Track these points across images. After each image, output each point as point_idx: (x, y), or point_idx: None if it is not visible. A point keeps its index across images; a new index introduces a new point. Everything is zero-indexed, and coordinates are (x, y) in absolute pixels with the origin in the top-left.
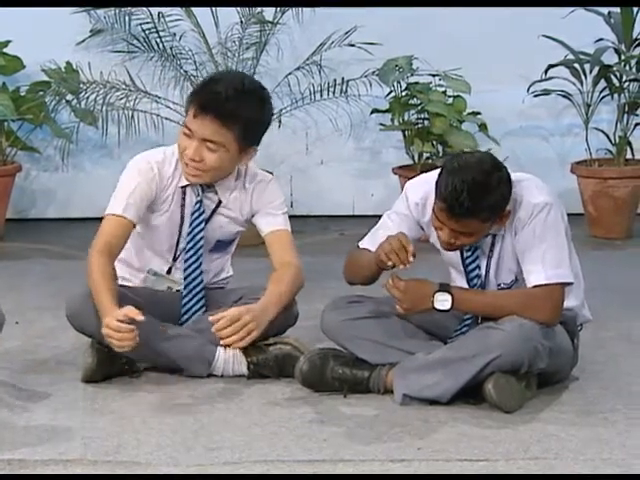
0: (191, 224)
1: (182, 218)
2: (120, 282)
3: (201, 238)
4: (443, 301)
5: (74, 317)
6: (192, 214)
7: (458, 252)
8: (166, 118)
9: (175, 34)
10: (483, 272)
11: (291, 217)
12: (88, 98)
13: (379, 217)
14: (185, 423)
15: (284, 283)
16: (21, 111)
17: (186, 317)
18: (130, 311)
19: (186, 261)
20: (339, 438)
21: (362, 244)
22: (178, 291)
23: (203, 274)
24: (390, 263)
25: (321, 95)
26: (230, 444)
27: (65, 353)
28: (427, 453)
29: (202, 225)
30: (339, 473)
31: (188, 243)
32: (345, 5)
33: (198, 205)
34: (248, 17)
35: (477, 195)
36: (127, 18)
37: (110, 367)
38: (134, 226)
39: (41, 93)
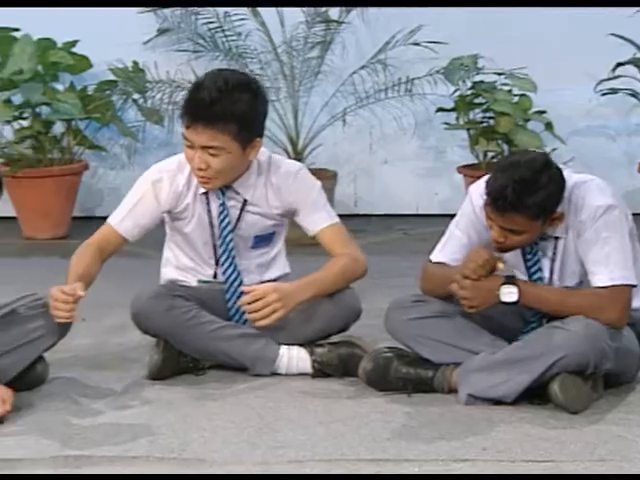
0: (220, 227)
1: (211, 223)
2: (181, 283)
3: (231, 240)
4: (509, 293)
5: (139, 317)
6: (218, 217)
7: (520, 255)
8: None
9: (240, 33)
10: (547, 275)
11: (354, 216)
12: (154, 97)
13: (443, 217)
14: (250, 421)
15: (328, 270)
16: (88, 110)
17: (233, 317)
18: (75, 285)
19: (222, 264)
20: (403, 437)
21: (435, 258)
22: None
23: (241, 273)
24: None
25: (386, 94)
26: (294, 443)
27: (131, 350)
28: (492, 453)
29: (229, 227)
30: (403, 473)
31: (220, 246)
32: (411, 5)
33: (222, 208)
34: (313, 16)
35: (522, 191)
36: (193, 17)
37: (176, 365)
38: (125, 241)
39: (108, 92)
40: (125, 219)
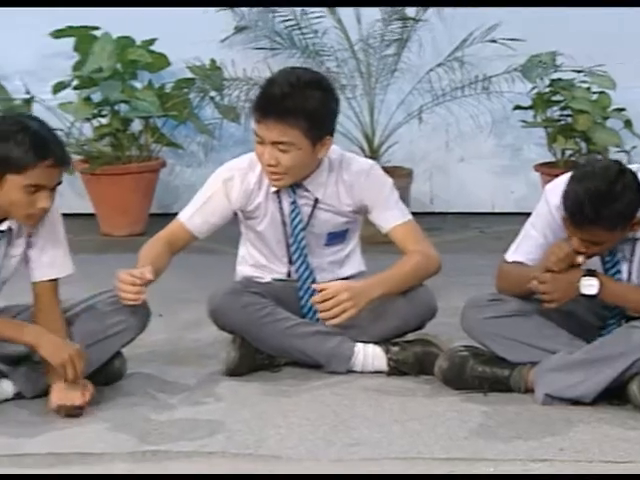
0: (291, 225)
1: (284, 222)
2: (256, 280)
3: (303, 238)
4: (589, 286)
5: (216, 314)
6: (289, 215)
7: (598, 257)
8: None
9: (317, 31)
10: (625, 276)
11: (430, 214)
12: (231, 95)
13: (519, 215)
14: (325, 418)
15: (399, 268)
16: (166, 108)
17: (306, 314)
18: (144, 269)
19: (294, 262)
20: (480, 437)
21: (510, 257)
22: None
23: (314, 271)
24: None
25: (462, 91)
26: (370, 440)
27: (207, 346)
28: (569, 453)
29: (301, 225)
30: (480, 473)
31: (292, 244)
32: (487, 5)
33: (293, 206)
34: (390, 13)
35: (600, 204)
36: (270, 15)
37: (252, 362)
38: (194, 238)
39: (185, 90)
40: (195, 216)
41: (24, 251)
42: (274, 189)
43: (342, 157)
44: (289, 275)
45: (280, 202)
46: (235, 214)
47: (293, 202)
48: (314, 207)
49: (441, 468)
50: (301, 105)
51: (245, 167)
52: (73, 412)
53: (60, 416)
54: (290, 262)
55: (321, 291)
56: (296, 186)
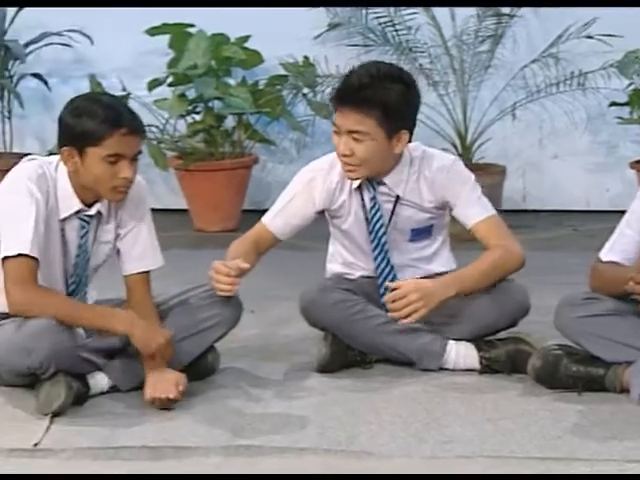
0: (371, 221)
1: (367, 219)
2: (346, 277)
3: (383, 234)
4: None
5: (308, 311)
6: (370, 211)
7: None
8: None
9: (411, 27)
10: None
11: (523, 211)
12: (324, 91)
13: (614, 213)
14: (417, 415)
15: (476, 266)
16: (259, 104)
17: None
18: (238, 260)
19: (375, 259)
20: (574, 436)
21: (605, 257)
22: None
23: (396, 268)
24: None
25: (557, 88)
26: (462, 438)
27: (298, 342)
28: None
29: (381, 221)
30: (574, 473)
31: (372, 241)
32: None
33: (373, 202)
34: (485, 10)
35: None
36: (364, 12)
37: (343, 358)
38: (277, 239)
39: (278, 87)
40: (277, 218)
41: (114, 241)
42: (356, 185)
43: (424, 154)
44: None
45: (362, 199)
46: (318, 215)
47: (373, 198)
48: (395, 203)
49: (535, 467)
50: (378, 95)
51: (326, 167)
52: (167, 404)
53: (155, 408)
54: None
55: (394, 289)
56: (377, 183)
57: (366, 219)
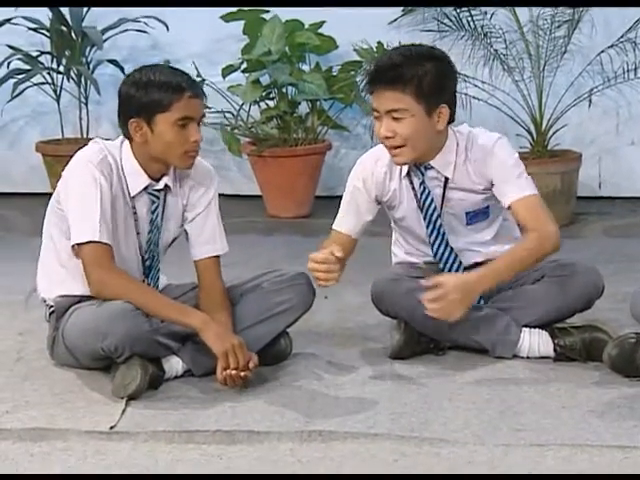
0: (423, 207)
1: (419, 206)
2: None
3: (437, 217)
4: None
5: (379, 300)
6: (421, 197)
7: None
8: (474, 97)
9: (486, 12)
10: None
11: (598, 198)
12: None
13: None
14: (491, 403)
15: (512, 255)
16: (333, 90)
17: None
18: (333, 247)
19: (433, 244)
20: None
21: None
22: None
23: (459, 252)
24: None
25: (635, 74)
26: (536, 426)
27: (371, 328)
28: None
29: (433, 205)
30: None
31: (427, 226)
32: None
33: (422, 187)
34: None
35: None
36: None
37: (416, 345)
38: (354, 241)
39: (352, 73)
40: (345, 220)
41: (182, 220)
42: (404, 173)
43: (469, 135)
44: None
45: (413, 186)
46: (380, 205)
47: (422, 182)
48: (445, 187)
49: (610, 456)
50: (411, 72)
51: (372, 160)
52: (238, 382)
53: (228, 386)
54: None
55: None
56: (424, 167)
57: (419, 206)
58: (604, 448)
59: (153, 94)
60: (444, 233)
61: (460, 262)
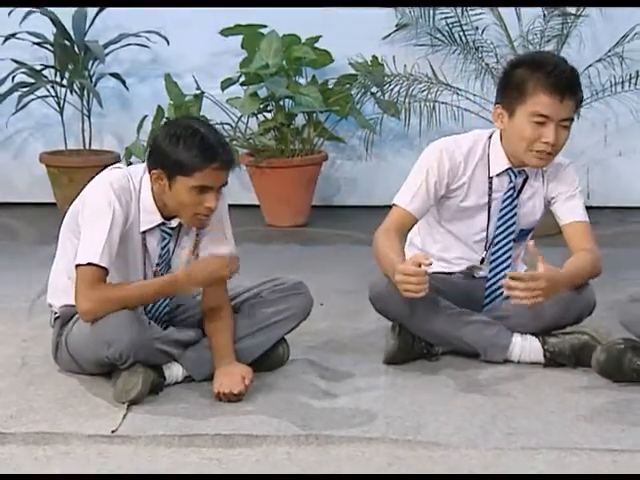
0: (503, 208)
1: (489, 206)
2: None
3: (513, 223)
4: None
5: (377, 301)
6: (504, 198)
7: None
8: (466, 109)
9: (477, 28)
10: None
11: (588, 208)
12: (392, 90)
13: None
14: (483, 407)
15: (584, 264)
16: (329, 103)
17: (488, 302)
18: (419, 257)
19: (496, 244)
20: (638, 429)
21: None
22: (477, 277)
23: (511, 260)
24: None
25: (622, 87)
26: (527, 430)
27: (367, 335)
28: None
29: (515, 210)
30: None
31: (498, 228)
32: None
33: (512, 191)
34: (551, 10)
35: None
36: (432, 12)
37: (410, 350)
38: (417, 220)
39: (348, 86)
40: (415, 199)
41: (194, 247)
42: (499, 171)
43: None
44: (482, 262)
45: (491, 187)
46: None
47: (512, 188)
48: (520, 192)
49: (599, 459)
50: (579, 81)
51: (453, 145)
52: (233, 399)
53: (224, 401)
54: (486, 248)
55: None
56: (518, 172)
57: (488, 208)
58: (593, 451)
59: (181, 156)
60: (511, 236)
61: (508, 266)
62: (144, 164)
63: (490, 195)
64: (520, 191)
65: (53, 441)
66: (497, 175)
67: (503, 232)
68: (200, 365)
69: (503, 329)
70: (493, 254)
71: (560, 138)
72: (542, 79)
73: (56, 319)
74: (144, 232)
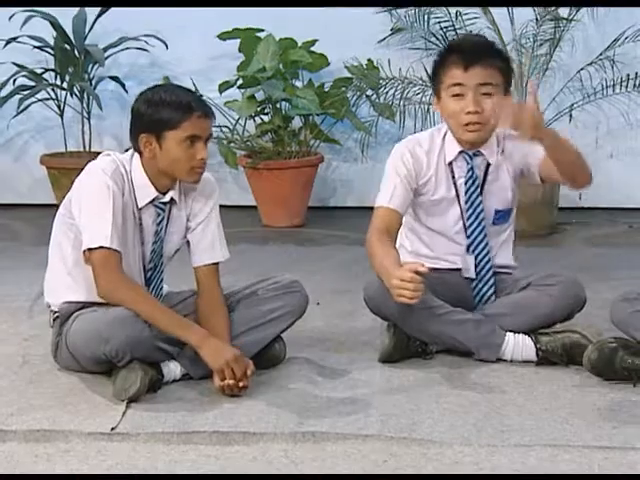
0: (467, 191)
1: (457, 194)
2: None
3: (480, 204)
4: None
5: (372, 301)
6: (465, 181)
7: None
8: None
9: (472, 32)
10: None
11: (579, 209)
12: (387, 93)
13: None
14: (477, 405)
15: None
16: (325, 106)
17: (478, 302)
18: (415, 264)
19: (470, 227)
20: (629, 426)
21: None
22: (467, 278)
23: (491, 255)
24: None
25: (613, 90)
26: (520, 427)
27: (362, 334)
28: None
29: (478, 191)
30: (631, 460)
31: (468, 211)
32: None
33: (470, 173)
34: (543, 14)
35: None
36: (426, 17)
37: (405, 349)
38: (402, 217)
39: (343, 89)
40: (394, 197)
41: (185, 231)
42: (450, 159)
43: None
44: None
45: (453, 175)
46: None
47: (470, 169)
48: (486, 174)
49: (591, 456)
50: (497, 48)
51: (413, 142)
52: (236, 391)
53: (227, 394)
54: (467, 236)
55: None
56: (473, 154)
57: (457, 196)
58: (585, 449)
59: (163, 112)
60: (482, 219)
61: (489, 251)
62: (130, 151)
63: (455, 183)
64: (486, 172)
65: (53, 439)
66: (455, 160)
67: (473, 214)
68: (198, 363)
69: (496, 328)
70: (469, 237)
71: (483, 105)
72: (447, 56)
73: (55, 319)
74: (140, 209)
